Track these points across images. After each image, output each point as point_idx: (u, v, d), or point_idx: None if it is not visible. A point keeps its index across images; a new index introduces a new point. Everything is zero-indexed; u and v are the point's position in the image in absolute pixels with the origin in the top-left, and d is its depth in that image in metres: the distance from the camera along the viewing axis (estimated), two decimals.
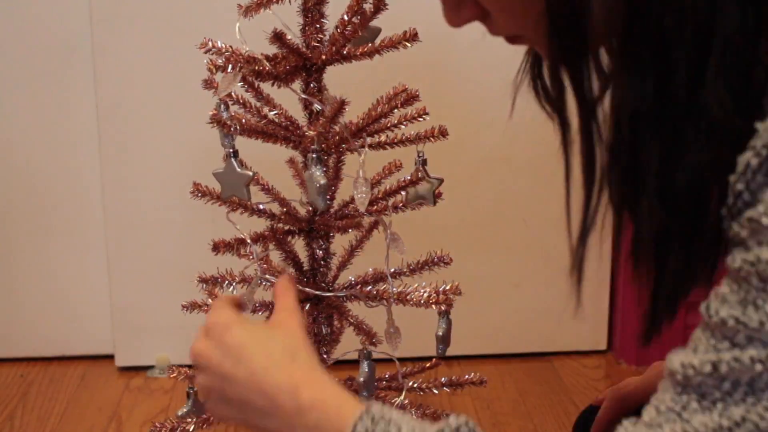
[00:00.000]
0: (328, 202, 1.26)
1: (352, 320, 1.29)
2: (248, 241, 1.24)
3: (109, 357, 1.95)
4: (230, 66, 1.12)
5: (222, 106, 1.14)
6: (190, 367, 1.37)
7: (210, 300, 1.33)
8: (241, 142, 1.21)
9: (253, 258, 1.27)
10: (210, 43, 1.14)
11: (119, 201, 1.84)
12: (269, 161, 1.32)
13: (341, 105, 1.11)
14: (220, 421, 1.02)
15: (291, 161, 1.36)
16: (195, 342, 0.94)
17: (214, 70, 1.17)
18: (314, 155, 1.12)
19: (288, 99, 1.24)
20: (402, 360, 1.34)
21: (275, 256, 1.33)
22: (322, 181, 1.11)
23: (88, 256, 1.92)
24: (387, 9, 1.16)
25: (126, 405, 1.76)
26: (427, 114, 1.20)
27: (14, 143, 1.86)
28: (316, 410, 0.86)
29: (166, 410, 1.70)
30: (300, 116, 1.24)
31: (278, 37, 1.11)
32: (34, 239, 1.91)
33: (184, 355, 1.77)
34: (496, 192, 1.87)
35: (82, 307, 1.94)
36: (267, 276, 1.24)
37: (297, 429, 0.87)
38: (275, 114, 1.25)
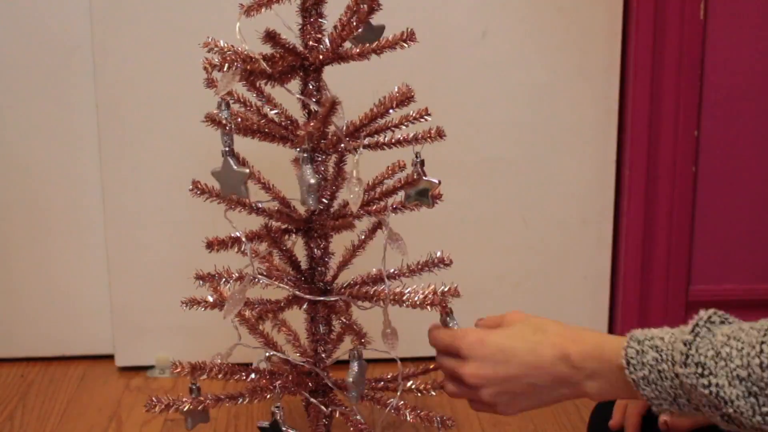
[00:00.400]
0: (326, 201, 1.25)
1: (345, 320, 1.29)
2: (243, 239, 1.23)
3: (109, 357, 1.93)
4: (227, 65, 1.11)
5: (222, 105, 1.14)
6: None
7: (210, 297, 1.33)
8: (247, 142, 1.22)
9: (254, 256, 1.26)
10: (213, 43, 1.14)
11: (119, 201, 1.83)
12: (273, 160, 1.32)
13: (332, 105, 1.11)
14: (518, 413, 1.13)
15: (296, 161, 1.31)
16: (463, 370, 1.05)
17: (209, 69, 1.18)
18: (305, 154, 1.13)
19: (292, 99, 1.24)
20: (405, 360, 1.33)
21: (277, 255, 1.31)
22: (312, 181, 1.12)
23: (88, 256, 1.90)
24: (381, 9, 1.16)
25: (126, 405, 1.75)
26: (429, 115, 1.20)
27: (14, 143, 1.86)
28: (588, 360, 0.97)
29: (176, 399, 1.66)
30: (301, 116, 1.24)
31: (271, 37, 1.11)
32: (34, 239, 1.90)
33: (183, 355, 1.81)
34: (496, 192, 1.87)
35: (82, 307, 1.93)
36: (261, 276, 1.23)
37: (582, 384, 0.99)
38: (276, 113, 1.25)
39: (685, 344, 0.88)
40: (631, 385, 0.94)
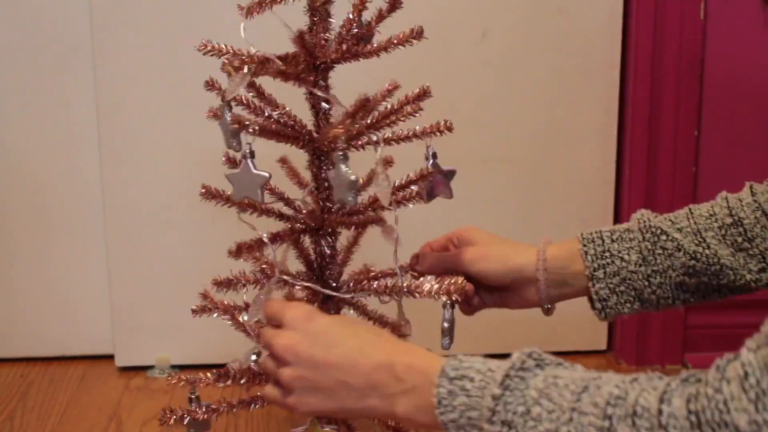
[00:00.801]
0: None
1: (372, 315, 1.29)
2: (266, 241, 1.24)
3: (109, 357, 1.94)
4: (246, 66, 1.13)
5: (225, 108, 1.15)
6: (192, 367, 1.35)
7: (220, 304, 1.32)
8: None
9: (269, 258, 1.26)
10: (209, 45, 1.16)
11: (119, 201, 1.85)
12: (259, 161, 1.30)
13: (365, 102, 1.14)
14: (306, 414, 1.04)
15: (283, 161, 1.39)
16: (276, 338, 0.98)
17: (232, 71, 1.16)
18: (341, 153, 1.14)
19: (287, 99, 1.25)
20: None
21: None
22: (353, 178, 1.13)
23: (88, 256, 1.92)
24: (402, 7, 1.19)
25: (126, 405, 1.77)
26: (429, 94, 1.22)
27: (14, 143, 1.88)
28: (412, 374, 0.90)
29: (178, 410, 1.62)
30: (304, 116, 1.24)
31: (300, 37, 1.14)
32: (34, 239, 1.91)
33: (183, 355, 1.92)
34: (495, 192, 1.89)
35: (82, 307, 1.94)
36: (285, 276, 1.24)
37: (395, 398, 0.92)
38: (278, 114, 1.24)
39: (493, 398, 0.84)
40: (440, 423, 0.89)
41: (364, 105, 1.14)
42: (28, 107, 1.84)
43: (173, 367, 1.94)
